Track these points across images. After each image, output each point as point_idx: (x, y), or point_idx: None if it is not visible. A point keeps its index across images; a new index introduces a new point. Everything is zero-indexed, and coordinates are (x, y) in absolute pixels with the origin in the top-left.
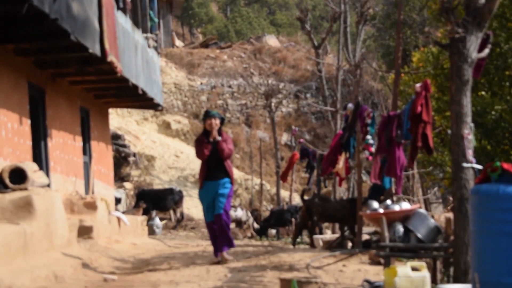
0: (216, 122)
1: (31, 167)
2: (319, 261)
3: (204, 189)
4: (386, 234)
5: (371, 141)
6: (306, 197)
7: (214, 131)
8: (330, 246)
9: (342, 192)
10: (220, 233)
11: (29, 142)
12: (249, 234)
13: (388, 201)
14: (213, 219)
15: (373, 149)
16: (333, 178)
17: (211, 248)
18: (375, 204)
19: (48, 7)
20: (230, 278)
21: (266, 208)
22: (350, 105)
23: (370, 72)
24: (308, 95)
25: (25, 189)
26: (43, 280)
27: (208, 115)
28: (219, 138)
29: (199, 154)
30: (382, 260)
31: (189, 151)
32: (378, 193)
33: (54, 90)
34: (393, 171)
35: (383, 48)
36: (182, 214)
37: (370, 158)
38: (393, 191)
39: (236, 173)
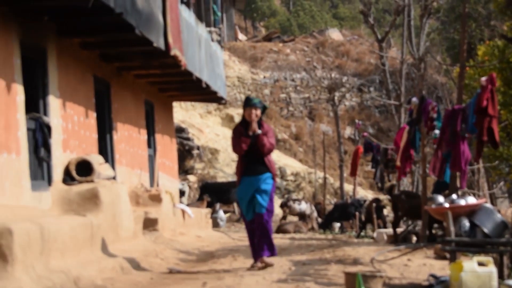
0: (256, 112)
1: (97, 160)
2: (383, 255)
3: (242, 185)
4: (452, 228)
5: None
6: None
7: (253, 124)
8: (394, 240)
9: (406, 186)
10: (260, 234)
11: (95, 135)
12: (310, 226)
13: (454, 196)
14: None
15: None
16: (395, 172)
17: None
18: (440, 199)
19: (113, 1)
20: (295, 271)
21: (329, 202)
22: (414, 99)
23: (434, 66)
24: (372, 89)
25: (92, 181)
26: (110, 271)
27: (248, 103)
28: (259, 131)
29: (235, 148)
30: (447, 255)
31: None
32: (443, 187)
33: (119, 84)
34: (458, 165)
35: (448, 41)
36: None
37: None
38: (457, 185)
39: (299, 167)
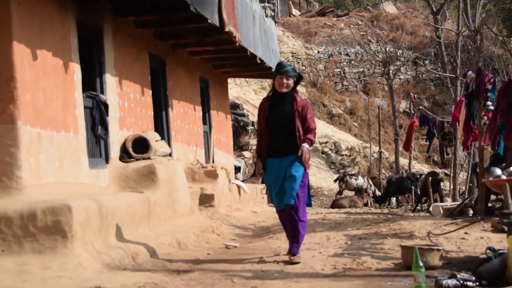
0: (288, 82)
1: (153, 137)
2: (440, 229)
3: (269, 170)
4: (510, 201)
5: (491, 107)
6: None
7: (304, 155)
8: (451, 213)
9: (462, 159)
10: (290, 227)
11: (151, 112)
12: (365, 201)
13: (511, 168)
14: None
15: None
16: (453, 145)
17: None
18: (498, 171)
19: None
20: (351, 246)
21: (384, 176)
22: (470, 73)
23: (490, 37)
24: (427, 62)
25: (148, 158)
26: (167, 247)
27: (279, 71)
28: (307, 148)
29: (258, 125)
30: (505, 228)
31: None
32: (500, 160)
33: (174, 61)
34: (511, 137)
35: (504, 12)
36: None
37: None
38: None
39: (354, 141)
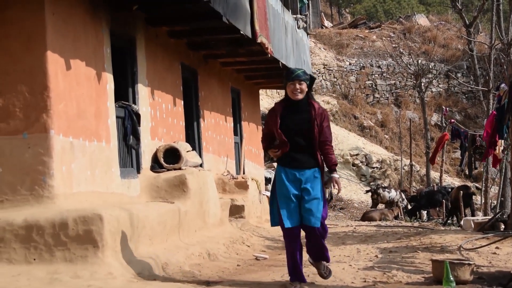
0: (301, 87)
1: (184, 147)
2: (471, 243)
3: (284, 180)
4: None
5: None
6: None
7: (339, 186)
8: (482, 228)
9: (494, 173)
10: (316, 248)
11: (182, 123)
12: (396, 214)
13: None
14: (297, 224)
15: None
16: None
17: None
18: None
19: None
20: (381, 259)
21: (415, 189)
22: (503, 86)
23: None
24: (459, 75)
25: (179, 168)
26: (197, 257)
27: (289, 77)
28: (335, 176)
29: (263, 140)
30: None
31: (338, 131)
32: None
33: (206, 71)
34: None
35: None
36: (331, 194)
37: None
38: None
39: (385, 154)
